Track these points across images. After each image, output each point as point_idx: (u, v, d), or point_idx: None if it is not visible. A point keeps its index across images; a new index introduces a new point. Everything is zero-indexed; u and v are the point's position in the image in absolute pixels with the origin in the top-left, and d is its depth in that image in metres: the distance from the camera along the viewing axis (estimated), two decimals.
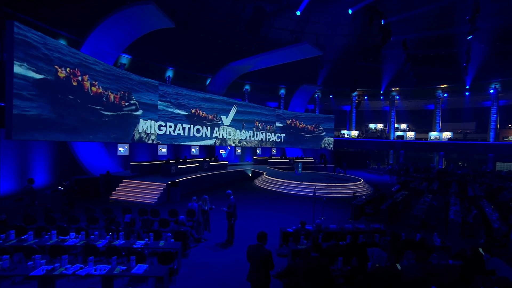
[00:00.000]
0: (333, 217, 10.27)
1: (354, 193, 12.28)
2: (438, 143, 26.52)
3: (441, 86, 26.57)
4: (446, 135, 26.70)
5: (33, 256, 4.40)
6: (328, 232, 6.82)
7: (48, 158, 13.14)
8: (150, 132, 14.74)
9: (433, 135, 27.15)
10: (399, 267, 4.54)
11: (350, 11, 15.93)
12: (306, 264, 4.10)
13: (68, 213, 7.69)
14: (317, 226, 6.59)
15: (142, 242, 5.64)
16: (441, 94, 26.75)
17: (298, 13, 16.02)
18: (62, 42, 12.81)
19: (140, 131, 14.11)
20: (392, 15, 20.14)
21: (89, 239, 5.64)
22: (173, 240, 5.88)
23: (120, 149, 16.39)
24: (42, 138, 9.64)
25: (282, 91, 29.28)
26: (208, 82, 23.05)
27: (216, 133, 18.92)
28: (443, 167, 25.53)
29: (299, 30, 25.77)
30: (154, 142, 15.15)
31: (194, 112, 17.29)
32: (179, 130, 16.43)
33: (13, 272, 4.19)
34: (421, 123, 31.56)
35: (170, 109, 15.84)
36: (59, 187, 10.15)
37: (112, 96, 12.31)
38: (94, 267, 4.44)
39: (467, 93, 25.37)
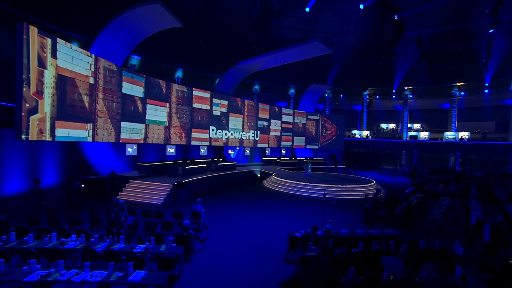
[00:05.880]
0: (344, 220, 9.82)
1: (366, 195, 11.78)
2: (454, 143, 25.41)
3: (458, 84, 25.45)
4: (463, 134, 25.55)
5: (28, 261, 4.24)
6: (339, 237, 6.42)
7: (57, 158, 13.24)
8: None
9: (449, 135, 26.05)
10: (417, 280, 4.12)
11: (361, 6, 15.37)
12: (312, 268, 3.72)
13: (72, 214, 7.60)
14: (327, 231, 6.20)
15: (143, 246, 5.42)
16: (457, 93, 25.63)
17: (307, 9, 15.58)
18: (74, 44, 12.86)
19: None
20: (405, 10, 19.41)
21: (89, 242, 5.47)
22: (175, 244, 5.64)
23: (128, 149, 16.41)
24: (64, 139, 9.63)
25: (292, 90, 28.83)
26: (217, 82, 22.91)
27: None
28: (460, 168, 24.43)
29: (308, 28, 25.33)
30: None
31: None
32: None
33: (8, 278, 4.03)
34: (436, 123, 30.43)
35: None
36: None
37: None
38: (90, 272, 4.23)
39: (486, 91, 24.17)
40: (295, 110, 24.93)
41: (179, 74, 22.97)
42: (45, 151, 12.58)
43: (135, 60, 19.83)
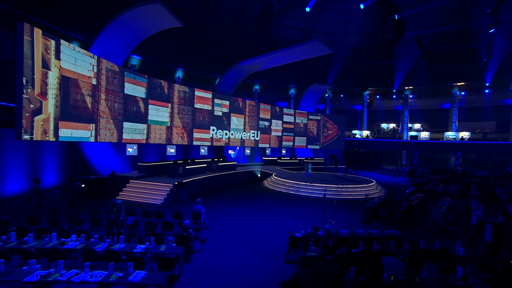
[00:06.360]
0: (344, 220, 9.81)
1: (367, 195, 11.75)
2: (455, 143, 25.38)
3: (458, 84, 25.42)
4: (463, 134, 25.52)
5: (28, 261, 4.23)
6: (339, 237, 6.40)
7: (57, 158, 13.24)
8: None
9: (449, 135, 26.03)
10: (417, 280, 4.11)
11: (362, 6, 15.35)
12: (319, 267, 3.71)
13: (72, 214, 7.59)
14: (327, 231, 6.19)
15: (143, 246, 5.41)
16: (458, 92, 25.60)
17: (307, 9, 15.57)
18: (75, 44, 12.86)
19: None
20: (406, 10, 19.40)
21: (89, 242, 5.46)
22: (175, 244, 5.64)
23: (129, 149, 16.40)
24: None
25: (292, 90, 28.83)
26: (217, 82, 22.91)
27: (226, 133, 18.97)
28: (461, 168, 24.41)
29: (309, 28, 25.32)
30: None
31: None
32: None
33: (8, 278, 4.02)
34: (436, 123, 30.41)
35: None
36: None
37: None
38: (90, 273, 4.23)
39: (487, 91, 24.13)
40: (297, 110, 24.93)
41: (179, 74, 22.97)
42: (45, 151, 12.58)
43: (135, 60, 19.84)
